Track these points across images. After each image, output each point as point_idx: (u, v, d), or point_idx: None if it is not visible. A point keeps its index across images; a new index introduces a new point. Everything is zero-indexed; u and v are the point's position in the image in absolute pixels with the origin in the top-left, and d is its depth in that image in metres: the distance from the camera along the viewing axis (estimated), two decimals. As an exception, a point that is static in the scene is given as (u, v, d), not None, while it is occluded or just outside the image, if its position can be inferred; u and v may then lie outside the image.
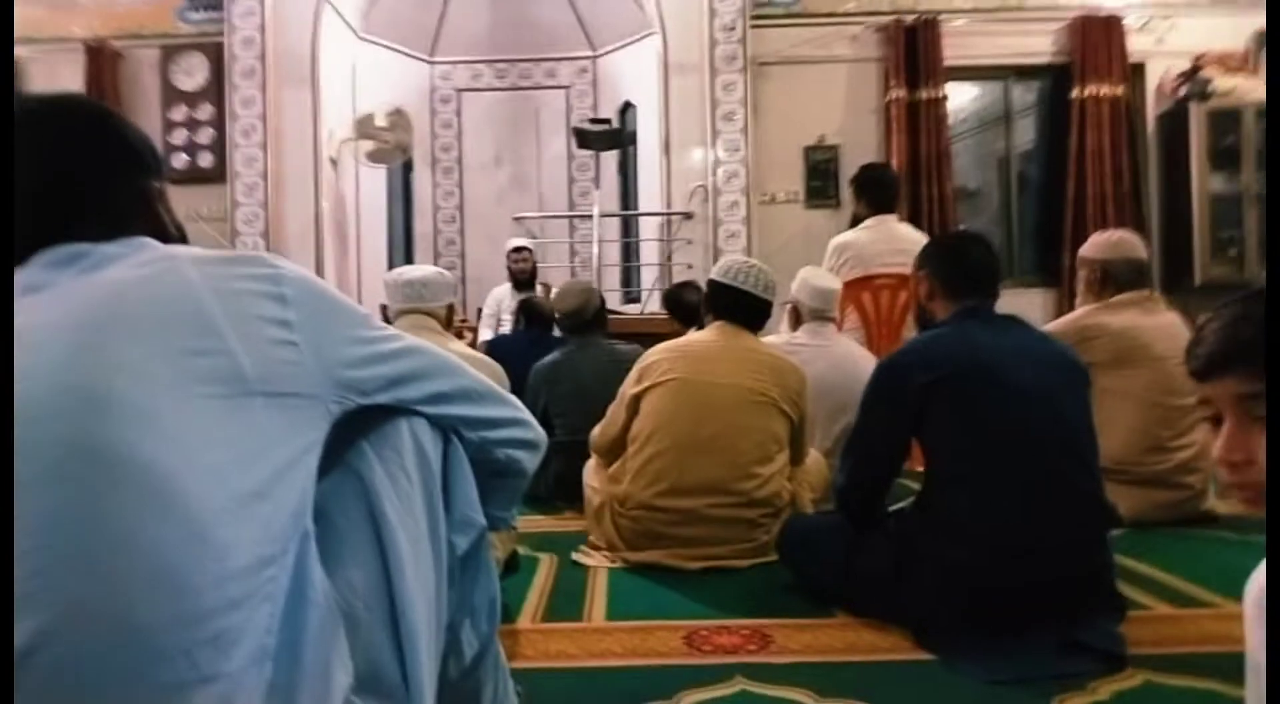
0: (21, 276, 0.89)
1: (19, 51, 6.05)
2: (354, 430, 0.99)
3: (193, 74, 6.03)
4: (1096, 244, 3.06)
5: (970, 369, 1.95)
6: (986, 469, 1.91)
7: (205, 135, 6.00)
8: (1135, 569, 2.32)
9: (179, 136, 6.00)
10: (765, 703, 1.59)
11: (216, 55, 5.97)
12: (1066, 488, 1.91)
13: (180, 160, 5.94)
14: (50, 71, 6.07)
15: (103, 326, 0.83)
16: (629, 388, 2.63)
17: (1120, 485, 2.64)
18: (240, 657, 0.80)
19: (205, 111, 6.01)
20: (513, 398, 1.17)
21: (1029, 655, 1.70)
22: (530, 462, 1.18)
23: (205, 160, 5.99)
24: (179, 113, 6.02)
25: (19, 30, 6.07)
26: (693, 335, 2.83)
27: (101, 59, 5.97)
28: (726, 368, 2.54)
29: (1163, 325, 2.89)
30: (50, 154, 0.95)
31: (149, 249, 0.93)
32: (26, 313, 0.85)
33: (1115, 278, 2.95)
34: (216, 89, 5.99)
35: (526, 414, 1.17)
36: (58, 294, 0.86)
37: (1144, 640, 1.82)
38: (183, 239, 1.04)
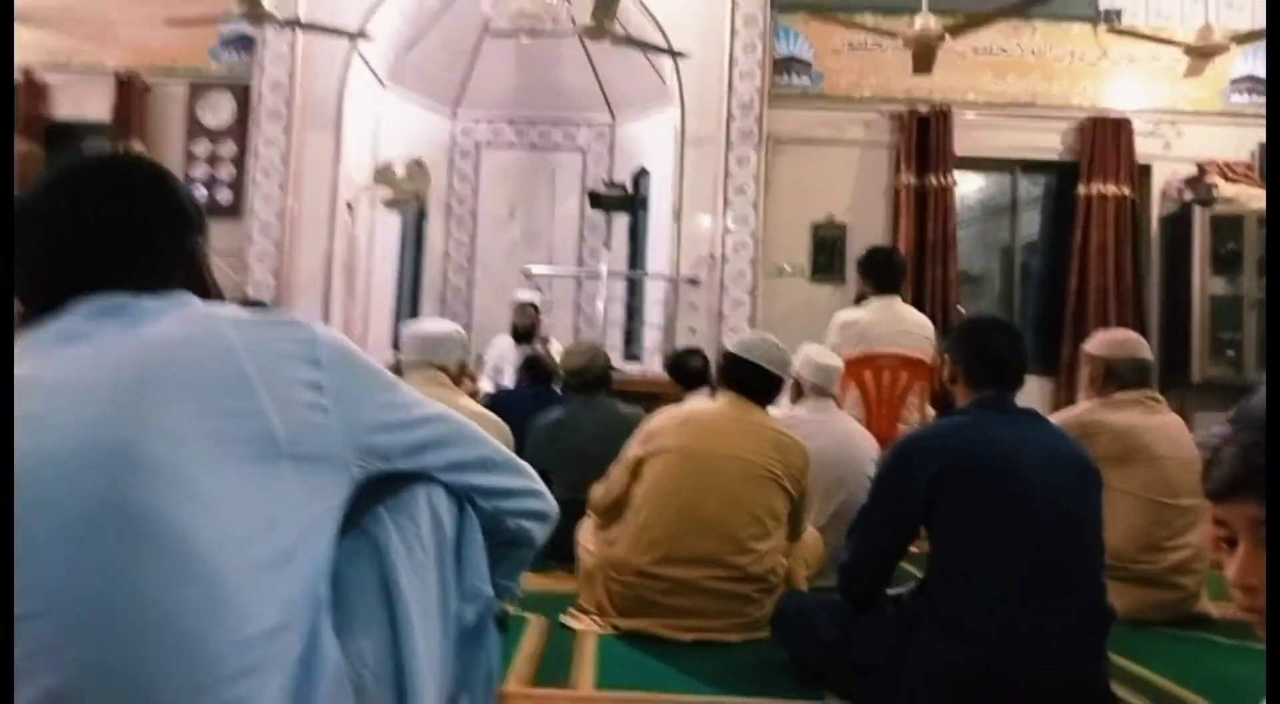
0: (61, 324, 0.90)
1: (49, 77, 6.17)
2: (372, 497, 1.00)
3: (219, 111, 6.14)
4: (1102, 342, 3.10)
5: (985, 461, 1.96)
6: (992, 564, 1.90)
7: (225, 172, 6.09)
8: (1128, 669, 2.31)
9: (200, 171, 6.08)
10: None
11: (244, 95, 6.09)
12: (1072, 590, 1.91)
13: (199, 194, 6.01)
14: (77, 99, 6.18)
15: (141, 386, 0.84)
16: (633, 450, 2.64)
17: (1116, 582, 2.61)
18: None
19: (227, 149, 6.10)
20: (528, 468, 1.17)
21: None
22: (541, 533, 1.18)
23: (224, 196, 6.07)
24: (202, 148, 6.12)
25: (51, 57, 6.19)
26: (701, 404, 2.86)
27: (131, 90, 6.08)
28: (732, 440, 2.55)
29: (1164, 425, 2.92)
30: (103, 205, 0.97)
31: (189, 306, 0.94)
32: (64, 364, 0.86)
33: (1119, 376, 2.98)
34: (240, 128, 6.09)
35: (540, 485, 1.18)
36: (97, 347, 0.87)
37: (1136, 745, 1.81)
38: (221, 299, 1.06)
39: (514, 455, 1.16)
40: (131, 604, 0.77)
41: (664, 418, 2.69)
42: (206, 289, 1.03)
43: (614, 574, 2.49)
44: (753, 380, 2.68)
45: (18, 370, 0.85)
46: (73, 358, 0.87)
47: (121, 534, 0.78)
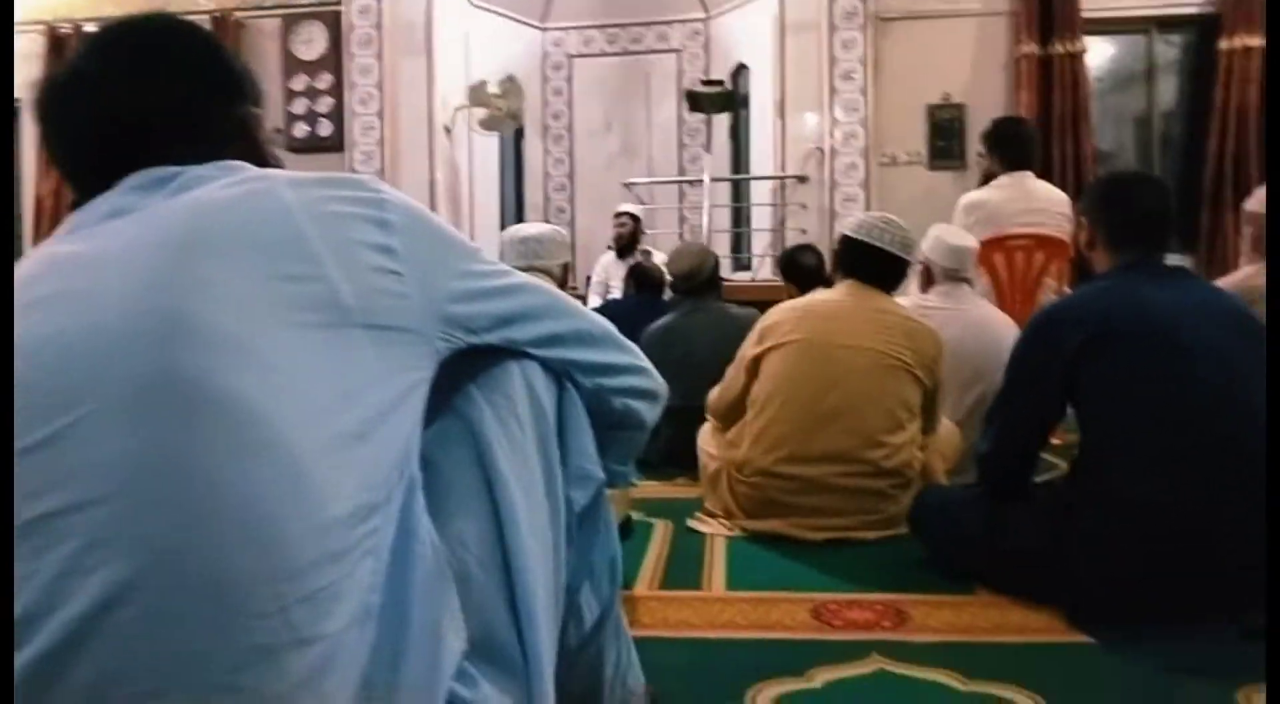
0: (108, 200, 0.83)
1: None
2: (461, 373, 0.90)
3: (312, 43, 6.11)
4: (1265, 197, 2.78)
5: (1136, 326, 1.76)
6: (1154, 438, 1.72)
7: (324, 104, 6.08)
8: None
9: (299, 106, 6.08)
10: (906, 684, 1.47)
11: (335, 24, 6.04)
12: (1245, 460, 1.70)
13: (300, 130, 6.04)
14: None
15: (189, 246, 0.75)
16: (749, 349, 2.51)
17: None
18: (341, 616, 0.72)
19: (324, 80, 6.08)
20: (631, 344, 1.06)
21: (1206, 642, 1.53)
22: (649, 413, 1.08)
23: (324, 129, 6.06)
24: (299, 82, 6.11)
25: (151, 1, 6.27)
26: (819, 294, 2.69)
27: (225, 29, 6.10)
28: (856, 329, 2.39)
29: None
30: (149, 73, 0.89)
31: (242, 171, 0.85)
32: (110, 237, 0.78)
33: (1288, 234, 2.67)
34: (335, 58, 6.06)
35: (646, 361, 1.07)
36: (143, 217, 0.79)
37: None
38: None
39: (615, 330, 1.05)
40: (196, 485, 0.69)
41: (780, 311, 2.54)
42: (263, 159, 0.94)
43: (739, 475, 2.39)
44: (874, 265, 2.49)
45: (62, 249, 0.78)
46: (117, 231, 0.79)
47: (179, 409, 0.69)
